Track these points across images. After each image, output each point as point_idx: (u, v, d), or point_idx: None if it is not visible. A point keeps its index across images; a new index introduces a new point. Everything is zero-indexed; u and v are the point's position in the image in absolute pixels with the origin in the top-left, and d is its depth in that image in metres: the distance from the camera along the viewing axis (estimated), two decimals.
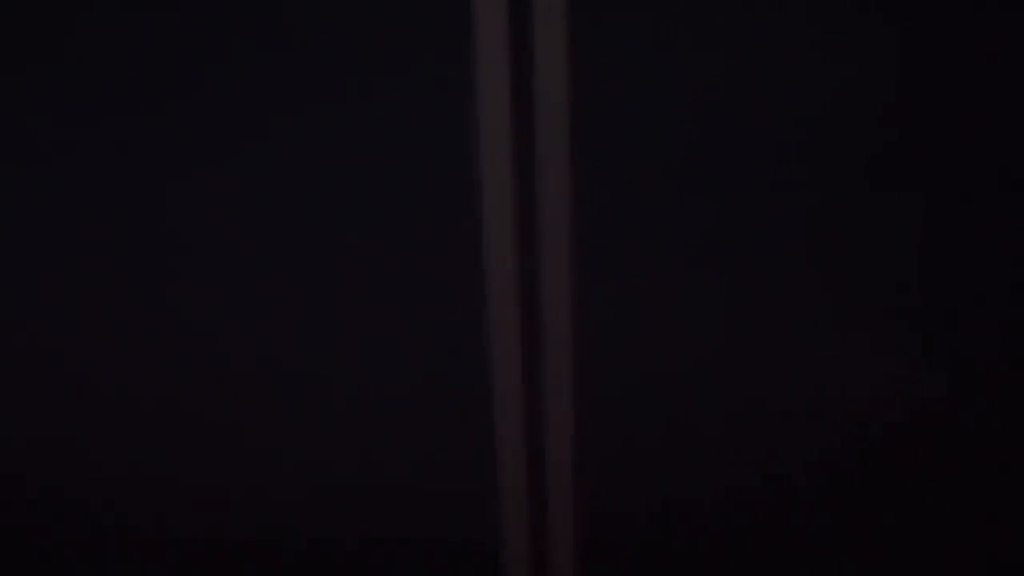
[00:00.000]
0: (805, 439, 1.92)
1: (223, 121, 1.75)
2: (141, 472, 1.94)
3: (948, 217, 1.81)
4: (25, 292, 1.84)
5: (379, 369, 1.88)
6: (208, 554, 1.99)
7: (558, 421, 1.90)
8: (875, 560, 2.00)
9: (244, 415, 1.90)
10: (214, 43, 1.71)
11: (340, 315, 1.85)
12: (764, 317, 1.86)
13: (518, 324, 1.84)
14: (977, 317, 1.86)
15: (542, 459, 1.93)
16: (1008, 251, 1.82)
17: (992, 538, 1.98)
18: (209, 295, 1.84)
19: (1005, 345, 1.87)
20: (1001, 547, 1.98)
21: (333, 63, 1.73)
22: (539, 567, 1.99)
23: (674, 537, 1.98)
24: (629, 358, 1.88)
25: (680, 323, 1.86)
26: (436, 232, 1.80)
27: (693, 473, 1.94)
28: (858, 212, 1.81)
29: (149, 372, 1.88)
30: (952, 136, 1.78)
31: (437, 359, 1.87)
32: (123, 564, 2.00)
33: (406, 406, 1.90)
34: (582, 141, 1.77)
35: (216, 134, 1.76)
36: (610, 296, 1.84)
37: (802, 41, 1.73)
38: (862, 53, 1.73)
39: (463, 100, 1.74)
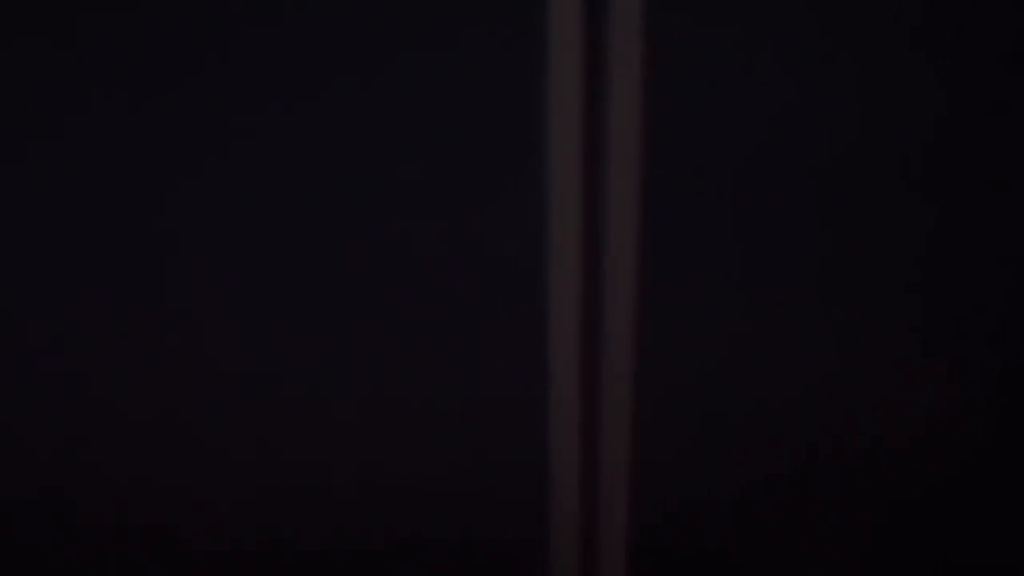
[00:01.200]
0: (860, 445, 1.93)
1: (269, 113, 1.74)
2: (202, 475, 1.94)
3: (981, 235, 1.82)
4: (24, 295, 1.82)
5: (437, 372, 1.88)
6: (263, 555, 1.99)
7: (614, 423, 1.90)
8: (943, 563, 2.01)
9: (305, 417, 1.90)
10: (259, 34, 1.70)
11: (399, 318, 1.84)
12: (822, 329, 1.86)
13: (577, 329, 1.84)
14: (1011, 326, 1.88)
15: (596, 463, 1.93)
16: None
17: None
18: (280, 302, 1.83)
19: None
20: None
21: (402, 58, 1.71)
22: (589, 572, 1.99)
23: (726, 547, 1.99)
24: (687, 363, 1.88)
25: (739, 330, 1.86)
26: (499, 235, 1.80)
27: (749, 478, 1.95)
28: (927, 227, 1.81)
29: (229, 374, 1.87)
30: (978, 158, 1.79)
31: (494, 361, 1.87)
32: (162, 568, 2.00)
33: (462, 408, 1.90)
34: (654, 152, 1.76)
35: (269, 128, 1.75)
36: (672, 301, 1.84)
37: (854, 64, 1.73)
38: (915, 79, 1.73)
39: (532, 106, 1.73)
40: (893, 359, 1.88)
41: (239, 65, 1.70)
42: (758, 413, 1.91)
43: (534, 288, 1.83)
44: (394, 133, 1.75)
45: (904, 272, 1.84)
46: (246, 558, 1.99)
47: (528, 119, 1.74)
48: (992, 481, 1.96)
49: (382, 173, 1.77)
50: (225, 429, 1.90)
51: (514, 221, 1.79)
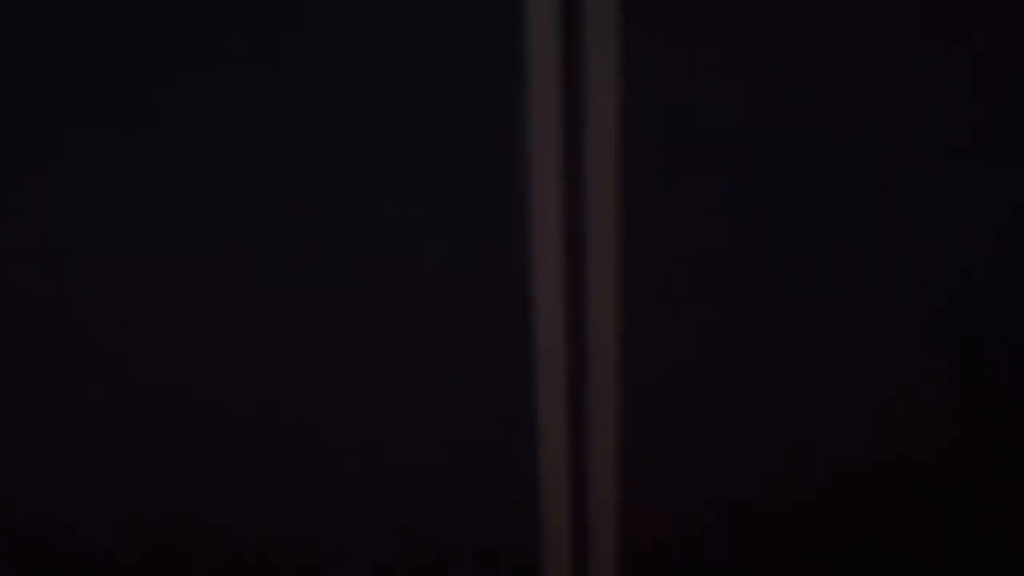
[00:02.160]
0: (854, 458, 1.93)
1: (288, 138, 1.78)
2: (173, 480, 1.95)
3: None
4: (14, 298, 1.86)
5: (429, 394, 1.90)
6: (253, 558, 2.00)
7: (601, 439, 1.90)
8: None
9: (291, 426, 1.92)
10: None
11: (385, 329, 1.86)
12: (805, 349, 1.88)
13: (564, 353, 1.85)
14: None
15: (585, 490, 1.94)
16: None
17: None
18: (270, 306, 1.86)
19: None
20: None
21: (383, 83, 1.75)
22: None
23: (715, 563, 1.99)
24: (672, 374, 1.89)
25: (725, 338, 1.87)
26: (483, 239, 1.82)
27: (739, 491, 1.95)
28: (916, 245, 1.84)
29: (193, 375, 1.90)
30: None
31: (484, 384, 1.89)
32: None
33: (454, 431, 1.92)
34: (631, 151, 1.79)
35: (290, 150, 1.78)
36: (654, 320, 1.86)
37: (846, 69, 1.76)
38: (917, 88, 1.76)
39: (514, 141, 1.77)
40: (882, 363, 1.89)
41: (239, 70, 1.74)
42: (745, 421, 1.91)
43: (520, 299, 1.85)
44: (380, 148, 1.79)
45: (894, 275, 1.84)
46: (227, 559, 2.01)
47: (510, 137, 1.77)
48: (981, 497, 1.96)
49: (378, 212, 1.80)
50: (202, 435, 1.93)
51: (498, 233, 1.82)
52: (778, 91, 1.75)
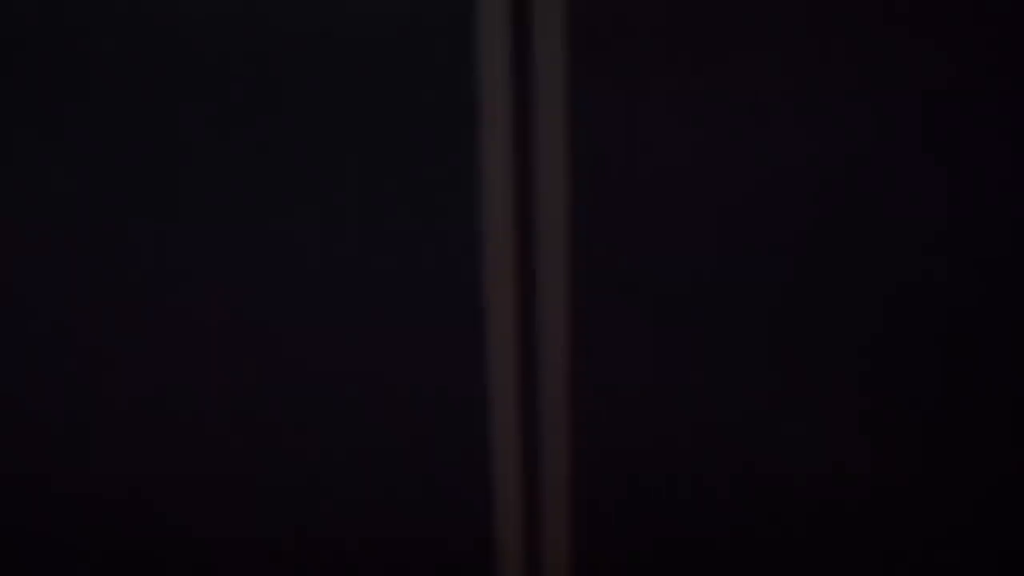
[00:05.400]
0: (802, 472, 1.92)
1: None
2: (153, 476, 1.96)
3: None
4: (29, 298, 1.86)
5: (384, 415, 1.90)
6: (213, 554, 1.99)
7: (553, 447, 1.90)
8: None
9: (251, 424, 1.92)
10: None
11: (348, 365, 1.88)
12: (754, 386, 1.87)
13: (517, 386, 1.86)
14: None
15: (539, 505, 1.94)
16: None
17: None
18: (229, 309, 1.87)
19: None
20: None
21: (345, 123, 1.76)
22: None
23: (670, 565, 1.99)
24: (627, 410, 1.89)
25: (673, 349, 1.86)
26: (434, 243, 1.82)
27: (689, 512, 1.94)
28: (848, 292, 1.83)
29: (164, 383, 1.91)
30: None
31: (439, 413, 1.89)
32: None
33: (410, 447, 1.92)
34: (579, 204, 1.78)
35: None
36: (607, 331, 1.85)
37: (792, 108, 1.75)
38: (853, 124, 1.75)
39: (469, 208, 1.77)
40: (832, 385, 1.87)
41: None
42: (694, 429, 1.89)
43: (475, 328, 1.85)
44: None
45: (838, 297, 1.82)
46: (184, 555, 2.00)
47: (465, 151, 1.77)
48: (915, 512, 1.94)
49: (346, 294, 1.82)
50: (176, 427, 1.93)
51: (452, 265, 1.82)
52: (727, 119, 1.75)
